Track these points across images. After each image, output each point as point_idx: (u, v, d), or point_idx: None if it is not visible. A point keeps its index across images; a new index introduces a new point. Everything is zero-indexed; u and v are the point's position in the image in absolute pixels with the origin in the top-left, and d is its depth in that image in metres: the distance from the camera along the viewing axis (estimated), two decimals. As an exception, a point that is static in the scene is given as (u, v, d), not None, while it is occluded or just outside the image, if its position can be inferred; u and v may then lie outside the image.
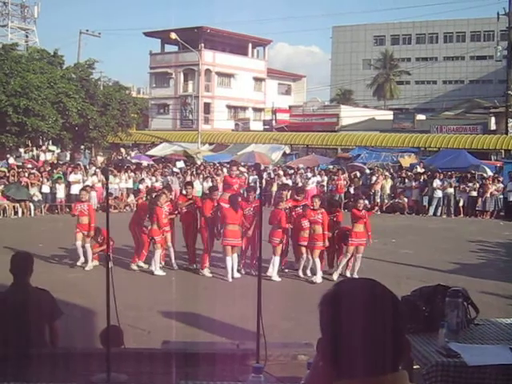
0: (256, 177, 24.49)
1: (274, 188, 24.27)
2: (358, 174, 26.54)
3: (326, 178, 26.04)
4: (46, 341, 4.78)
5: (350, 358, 1.42)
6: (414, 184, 24.35)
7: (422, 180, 24.55)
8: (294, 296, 10.24)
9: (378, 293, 1.48)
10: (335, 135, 38.92)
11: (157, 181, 25.24)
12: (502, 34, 50.56)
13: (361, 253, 11.36)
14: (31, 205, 21.17)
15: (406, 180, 24.94)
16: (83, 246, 12.27)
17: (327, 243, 11.32)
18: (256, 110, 52.72)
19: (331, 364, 1.46)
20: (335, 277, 10.97)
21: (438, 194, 23.63)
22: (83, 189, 13.87)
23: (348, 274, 11.25)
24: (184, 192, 13.20)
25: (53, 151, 33.88)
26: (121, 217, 19.77)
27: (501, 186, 23.31)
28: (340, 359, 1.44)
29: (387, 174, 25.78)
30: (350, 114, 43.81)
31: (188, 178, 25.24)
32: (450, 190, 23.60)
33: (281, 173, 26.97)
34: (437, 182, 23.70)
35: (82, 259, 12.24)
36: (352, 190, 25.07)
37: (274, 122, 46.33)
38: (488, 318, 4.37)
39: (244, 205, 11.80)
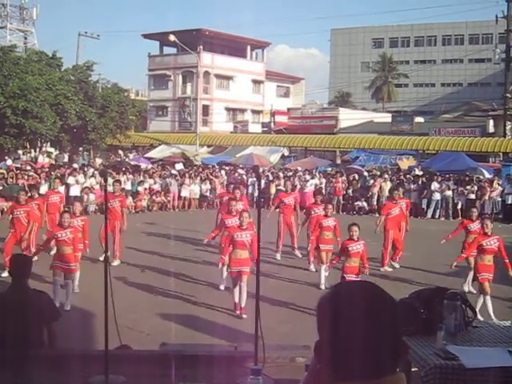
0: (254, 179, 24.50)
1: (272, 190, 24.23)
2: (357, 177, 26.57)
3: (324, 181, 26.06)
4: (44, 342, 4.78)
5: (348, 360, 1.42)
6: (412, 186, 24.35)
7: (420, 182, 24.57)
8: (292, 299, 10.23)
9: (375, 295, 1.48)
10: (334, 138, 38.91)
11: (155, 183, 25.24)
12: (500, 36, 50.73)
13: None
14: (29, 206, 21.09)
15: (405, 182, 24.93)
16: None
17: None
18: (254, 112, 52.72)
19: (329, 366, 1.46)
20: (466, 288, 10.67)
21: (437, 196, 23.65)
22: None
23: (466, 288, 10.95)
24: (111, 189, 13.67)
25: (51, 153, 33.87)
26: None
27: (499, 189, 23.29)
28: (337, 362, 1.43)
29: (386, 176, 25.77)
30: (348, 117, 43.80)
31: (186, 180, 25.26)
32: (449, 193, 23.62)
33: (281, 175, 26.96)
34: (435, 185, 23.72)
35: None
36: (350, 193, 25.22)
37: (272, 124, 46.34)
38: (486, 321, 4.38)
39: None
